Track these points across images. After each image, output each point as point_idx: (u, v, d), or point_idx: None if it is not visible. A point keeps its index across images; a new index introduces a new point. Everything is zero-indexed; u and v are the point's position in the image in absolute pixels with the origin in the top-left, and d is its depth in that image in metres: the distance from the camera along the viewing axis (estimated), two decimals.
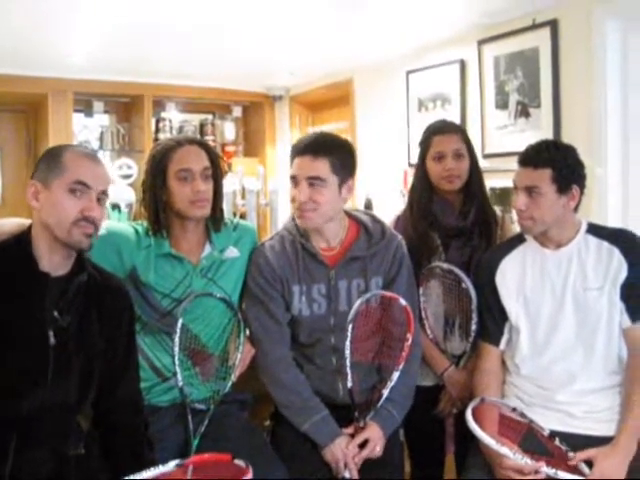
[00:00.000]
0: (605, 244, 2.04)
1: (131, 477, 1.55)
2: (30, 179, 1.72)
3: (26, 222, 1.78)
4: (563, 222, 2.05)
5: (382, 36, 3.91)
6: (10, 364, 1.64)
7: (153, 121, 5.50)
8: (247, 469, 1.60)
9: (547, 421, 1.98)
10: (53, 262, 1.71)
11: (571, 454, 1.88)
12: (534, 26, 3.39)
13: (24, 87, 4.89)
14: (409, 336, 2.08)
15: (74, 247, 1.71)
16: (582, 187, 2.05)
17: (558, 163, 1.99)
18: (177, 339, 2.00)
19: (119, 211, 5.16)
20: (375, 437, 2.07)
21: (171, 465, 1.60)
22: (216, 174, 2.17)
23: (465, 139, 2.46)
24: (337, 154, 2.09)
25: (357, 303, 2.08)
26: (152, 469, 1.58)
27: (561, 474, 1.79)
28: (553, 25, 3.29)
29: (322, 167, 2.07)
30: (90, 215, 1.68)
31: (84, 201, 1.68)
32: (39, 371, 1.66)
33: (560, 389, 2.03)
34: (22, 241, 1.71)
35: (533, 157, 2.02)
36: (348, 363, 2.04)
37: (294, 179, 2.12)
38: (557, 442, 1.91)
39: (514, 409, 1.99)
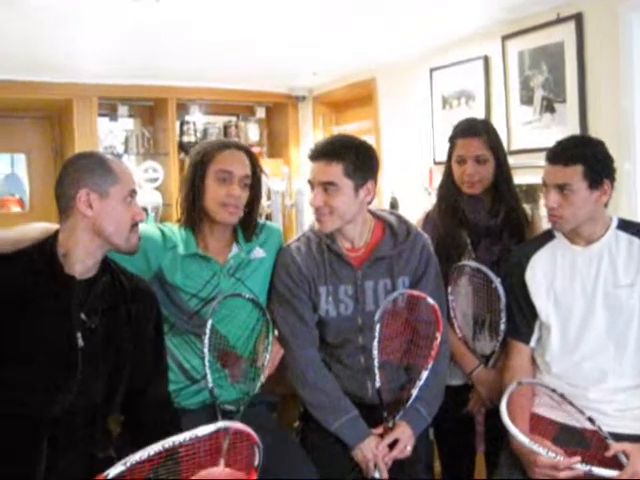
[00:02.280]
0: (636, 240, 2.01)
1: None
2: (77, 189, 1.71)
3: (50, 227, 1.80)
4: (595, 218, 2.03)
5: (404, 34, 3.89)
6: (39, 367, 1.66)
7: (177, 124, 5.52)
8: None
9: (580, 420, 1.95)
10: (85, 266, 1.74)
11: (609, 441, 1.87)
12: (559, 20, 3.34)
13: (49, 93, 4.93)
14: (438, 335, 2.07)
15: (127, 252, 1.79)
16: (613, 181, 2.03)
17: (589, 159, 1.97)
18: (207, 340, 2.00)
19: (147, 214, 5.17)
20: (405, 437, 2.06)
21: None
22: (255, 185, 2.19)
23: (491, 141, 2.40)
24: (351, 158, 2.08)
25: (384, 303, 2.07)
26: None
27: (596, 470, 1.78)
28: (578, 19, 3.24)
29: (335, 172, 2.07)
30: (140, 219, 1.78)
31: (133, 207, 1.76)
32: (68, 373, 1.68)
33: (591, 387, 2.01)
34: (47, 246, 1.73)
35: (563, 154, 1.99)
36: (376, 363, 2.03)
37: (310, 184, 2.14)
38: (596, 427, 1.90)
39: (554, 390, 1.98)
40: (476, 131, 2.42)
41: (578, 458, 1.79)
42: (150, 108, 5.61)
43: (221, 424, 1.50)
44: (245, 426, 1.51)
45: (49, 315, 1.68)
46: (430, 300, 2.08)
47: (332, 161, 2.07)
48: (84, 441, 1.72)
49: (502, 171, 2.43)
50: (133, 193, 1.78)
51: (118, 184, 1.73)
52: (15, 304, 1.66)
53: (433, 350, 2.07)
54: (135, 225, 1.77)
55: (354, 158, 2.08)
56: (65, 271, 1.71)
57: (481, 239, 2.41)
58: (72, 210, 1.72)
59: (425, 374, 2.06)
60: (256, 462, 1.54)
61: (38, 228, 1.82)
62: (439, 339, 2.07)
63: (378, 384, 2.04)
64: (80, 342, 1.70)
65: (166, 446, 1.39)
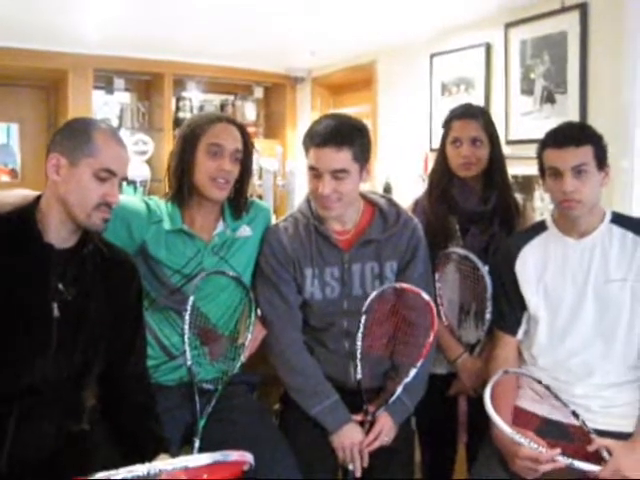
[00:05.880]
0: (630, 235, 1.98)
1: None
2: (51, 150, 1.68)
3: (31, 194, 1.76)
4: (595, 206, 1.99)
5: (406, 18, 3.85)
6: (12, 336, 1.62)
7: (173, 100, 5.46)
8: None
9: (564, 415, 1.93)
10: (60, 235, 1.69)
11: (593, 436, 1.84)
12: (563, 9, 3.30)
13: (44, 62, 4.87)
14: (431, 333, 2.02)
15: (89, 228, 1.71)
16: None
17: (596, 138, 1.97)
18: (187, 317, 1.97)
19: (134, 188, 5.14)
20: (386, 427, 2.04)
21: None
22: (246, 160, 2.14)
23: (487, 125, 2.39)
24: (358, 142, 2.03)
25: (372, 295, 2.03)
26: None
27: (577, 464, 1.74)
28: (583, 8, 3.20)
29: (345, 158, 2.00)
30: (111, 201, 1.68)
31: (107, 187, 1.68)
32: (42, 344, 1.64)
33: (578, 382, 1.98)
34: (26, 213, 1.68)
35: (572, 136, 1.96)
36: (359, 355, 2.00)
37: (316, 171, 2.04)
38: (580, 422, 1.88)
39: (540, 381, 1.97)
40: (473, 113, 2.42)
41: (559, 450, 1.75)
42: (146, 82, 5.55)
43: (218, 456, 1.39)
44: (244, 455, 1.42)
45: (25, 283, 1.64)
46: (425, 296, 2.03)
47: (342, 147, 1.99)
48: (57, 413, 1.68)
49: (496, 157, 2.41)
50: (108, 172, 1.67)
51: (93, 157, 1.65)
52: None
53: (425, 348, 2.03)
54: (105, 205, 1.68)
55: (360, 141, 2.03)
56: (43, 239, 1.67)
57: (470, 226, 2.38)
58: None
59: (413, 371, 2.03)
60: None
61: (18, 195, 1.77)
62: (432, 338, 2.03)
63: (359, 375, 2.01)
64: (56, 312, 1.66)
65: (152, 472, 1.32)
